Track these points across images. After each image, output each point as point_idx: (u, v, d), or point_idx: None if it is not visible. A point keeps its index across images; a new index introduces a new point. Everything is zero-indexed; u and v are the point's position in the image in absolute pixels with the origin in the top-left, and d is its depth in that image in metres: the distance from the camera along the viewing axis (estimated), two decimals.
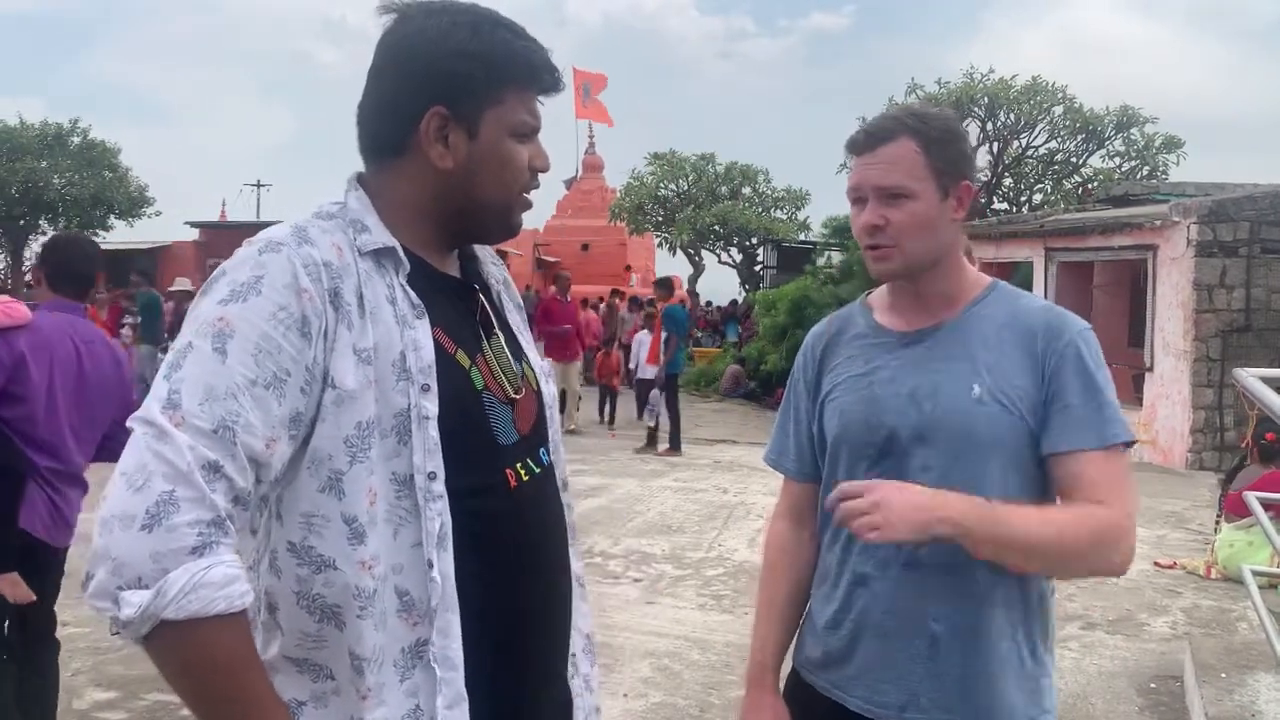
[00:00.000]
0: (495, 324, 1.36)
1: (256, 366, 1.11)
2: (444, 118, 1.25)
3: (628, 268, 31.77)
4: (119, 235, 31.20)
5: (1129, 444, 1.59)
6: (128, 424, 1.10)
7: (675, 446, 10.75)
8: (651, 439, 11.03)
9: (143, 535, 1.02)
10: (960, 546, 1.53)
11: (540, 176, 1.35)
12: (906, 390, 1.64)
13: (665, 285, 11.99)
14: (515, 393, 1.32)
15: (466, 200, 1.29)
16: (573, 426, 11.92)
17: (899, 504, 1.44)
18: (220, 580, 1.04)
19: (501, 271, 1.49)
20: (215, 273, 1.18)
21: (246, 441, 1.09)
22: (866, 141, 1.65)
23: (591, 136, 35.09)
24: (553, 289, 13.04)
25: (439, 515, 1.19)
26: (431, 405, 1.19)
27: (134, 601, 1.02)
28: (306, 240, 1.18)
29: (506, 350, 1.35)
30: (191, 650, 1.06)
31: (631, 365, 13.33)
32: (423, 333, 1.21)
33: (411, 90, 1.26)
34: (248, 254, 1.17)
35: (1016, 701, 1.60)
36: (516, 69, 1.28)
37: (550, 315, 11.87)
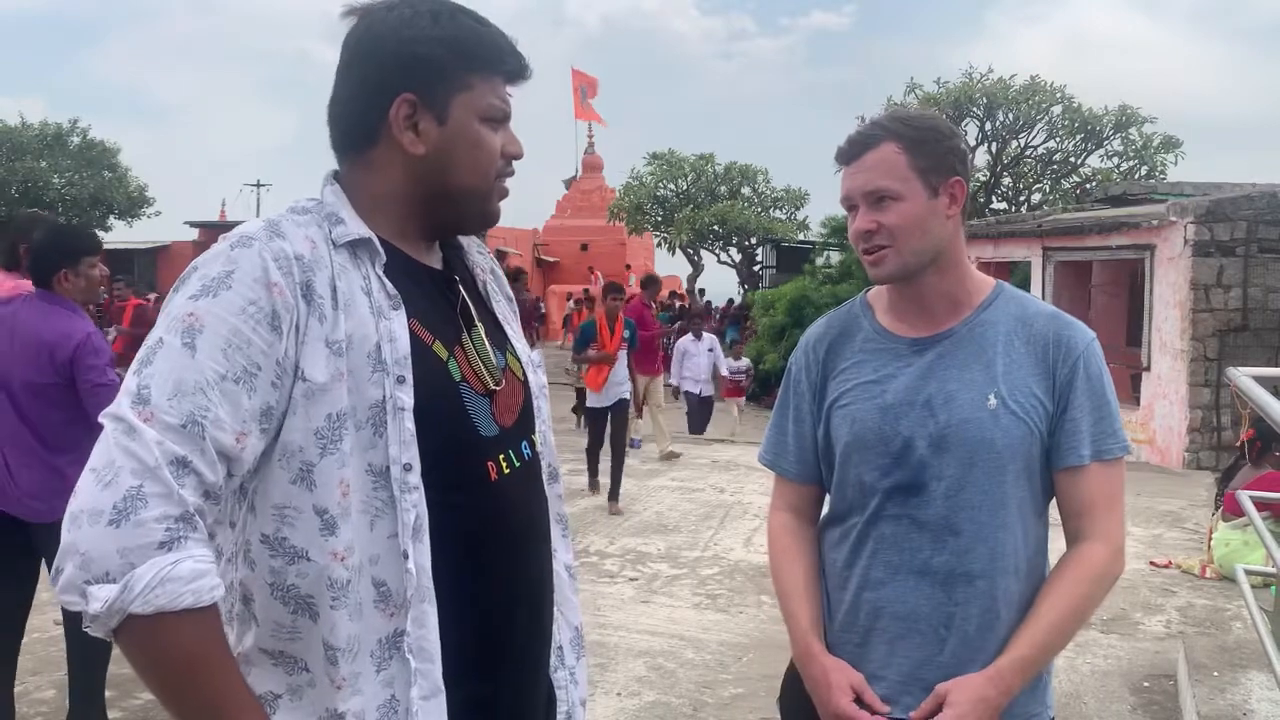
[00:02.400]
0: (476, 315, 1.36)
1: (226, 361, 1.11)
2: (413, 104, 1.26)
3: (627, 267, 31.80)
4: (118, 235, 31.23)
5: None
6: (99, 419, 1.10)
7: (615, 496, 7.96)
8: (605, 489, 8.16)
9: (110, 530, 1.03)
10: (969, 554, 1.61)
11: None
12: (921, 399, 1.64)
13: (618, 290, 8.78)
14: (495, 384, 1.32)
15: (441, 186, 1.29)
16: (670, 448, 10.14)
17: (976, 712, 1.55)
18: (188, 575, 1.05)
19: (488, 261, 1.49)
20: (188, 268, 1.19)
21: (216, 436, 1.09)
22: (850, 150, 1.67)
23: (591, 136, 35.16)
24: (639, 292, 10.89)
25: (414, 507, 1.19)
26: (407, 397, 1.19)
27: (101, 596, 1.03)
28: (278, 234, 1.19)
29: (487, 342, 1.35)
30: (159, 644, 1.06)
31: (674, 381, 11.76)
32: (398, 324, 1.22)
33: (378, 80, 1.26)
34: (220, 249, 1.18)
35: (1019, 697, 1.62)
36: (482, 53, 1.29)
37: (643, 323, 9.87)
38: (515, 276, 11.19)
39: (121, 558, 1.03)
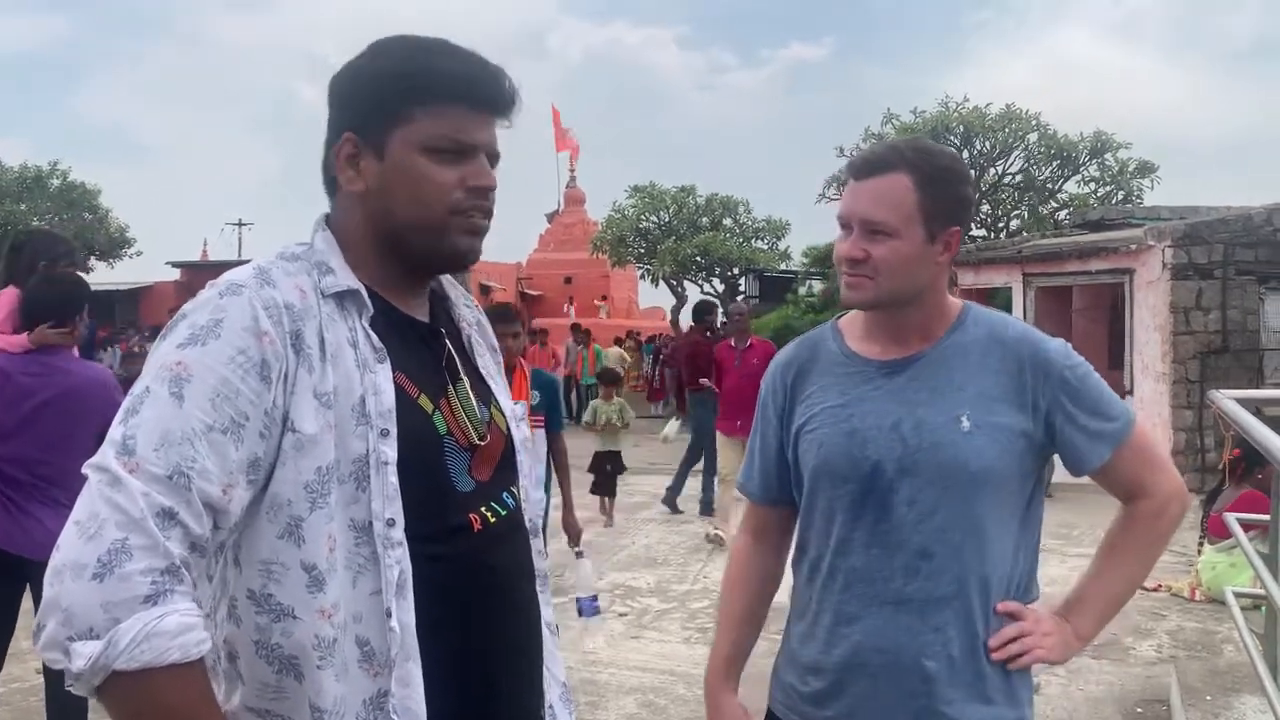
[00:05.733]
0: (462, 368, 1.35)
1: (214, 411, 1.10)
2: (354, 144, 1.26)
3: (603, 297, 31.93)
4: (100, 276, 31.08)
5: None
6: (83, 470, 1.08)
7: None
8: None
9: (94, 585, 1.01)
10: (942, 577, 1.60)
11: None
12: (889, 422, 1.63)
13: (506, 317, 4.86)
14: (479, 439, 1.31)
15: (387, 222, 1.27)
16: (717, 530, 7.79)
17: (1060, 642, 1.65)
18: (174, 629, 1.02)
19: (474, 314, 1.48)
20: (176, 316, 1.17)
21: (202, 488, 1.07)
22: (863, 168, 1.64)
23: (573, 170, 35.31)
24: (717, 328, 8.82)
25: (398, 563, 1.17)
26: (390, 450, 1.18)
27: (85, 653, 1.00)
28: (268, 282, 1.18)
29: (472, 395, 1.34)
30: (145, 701, 1.03)
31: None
32: (383, 377, 1.20)
33: (332, 122, 1.28)
34: (208, 297, 1.17)
35: (999, 705, 1.62)
36: (423, 84, 1.24)
37: (719, 368, 8.14)
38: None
39: (106, 613, 1.00)
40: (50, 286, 3.51)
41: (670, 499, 9.12)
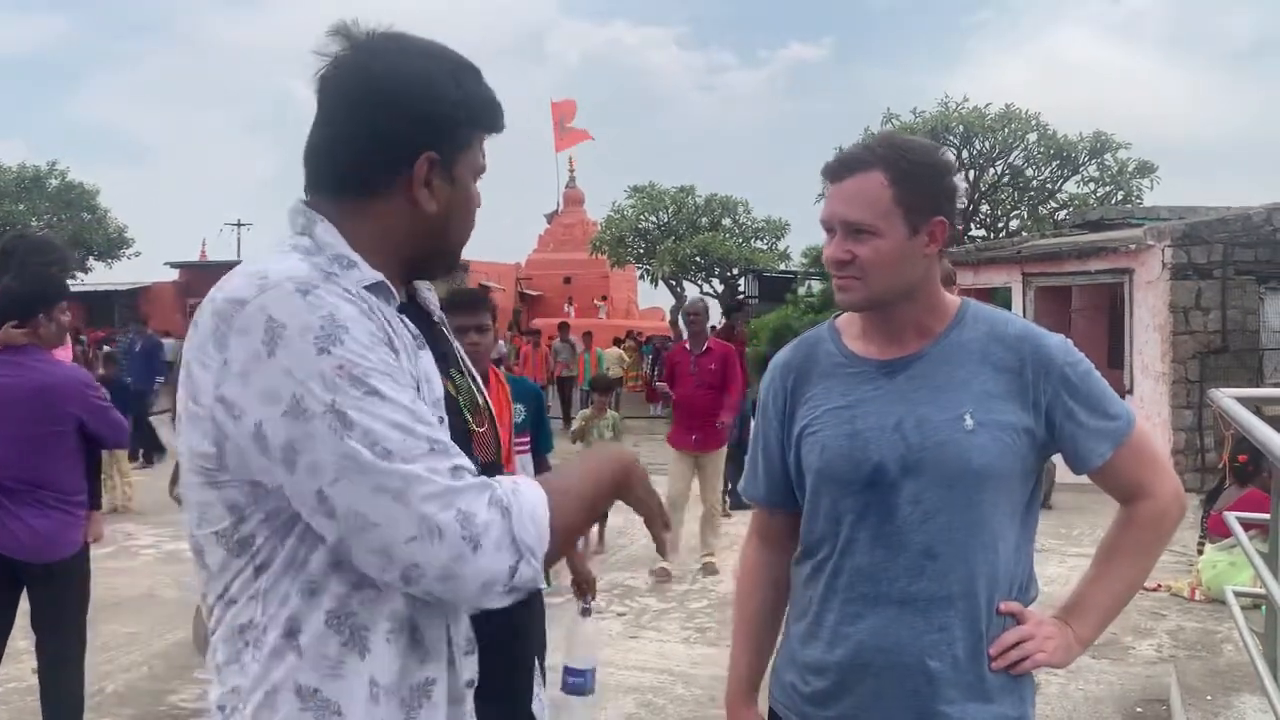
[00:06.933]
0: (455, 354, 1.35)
1: (401, 389, 1.10)
2: (434, 163, 1.23)
3: (603, 298, 31.93)
4: (98, 277, 31.16)
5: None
6: (484, 504, 1.11)
7: None
8: None
9: (481, 555, 1.06)
10: (948, 577, 1.59)
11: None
12: (892, 422, 1.62)
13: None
14: (478, 426, 1.32)
15: (440, 241, 1.29)
16: (710, 558, 6.98)
17: (1062, 645, 1.64)
18: (527, 505, 1.11)
19: (435, 299, 1.47)
20: (270, 328, 1.09)
21: (452, 446, 1.11)
22: (838, 170, 1.64)
23: (572, 171, 35.33)
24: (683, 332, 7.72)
25: None
26: (445, 437, 1.16)
27: (532, 569, 1.10)
28: (323, 271, 1.16)
29: (469, 380, 1.34)
30: (567, 532, 1.16)
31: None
32: (428, 363, 1.20)
33: (403, 133, 1.22)
34: (288, 302, 1.10)
35: (1003, 702, 1.62)
36: (486, 116, 1.29)
37: (673, 374, 7.14)
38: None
39: (508, 551, 1.08)
40: (14, 285, 3.47)
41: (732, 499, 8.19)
